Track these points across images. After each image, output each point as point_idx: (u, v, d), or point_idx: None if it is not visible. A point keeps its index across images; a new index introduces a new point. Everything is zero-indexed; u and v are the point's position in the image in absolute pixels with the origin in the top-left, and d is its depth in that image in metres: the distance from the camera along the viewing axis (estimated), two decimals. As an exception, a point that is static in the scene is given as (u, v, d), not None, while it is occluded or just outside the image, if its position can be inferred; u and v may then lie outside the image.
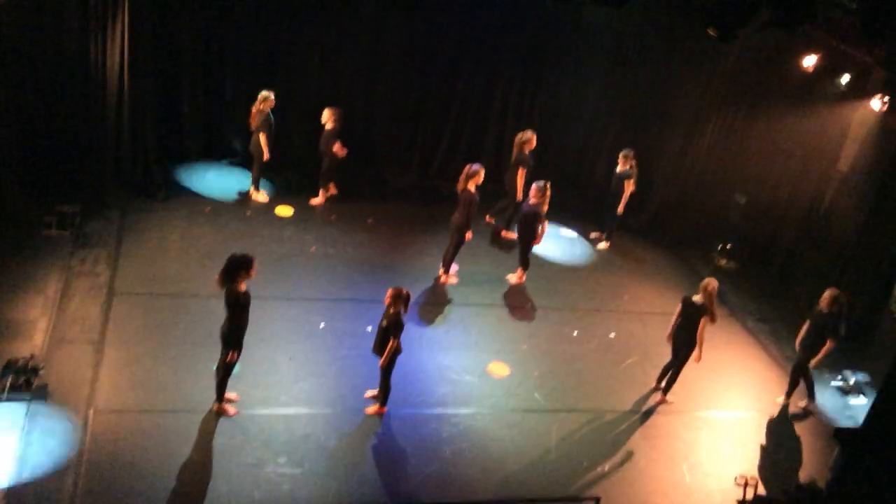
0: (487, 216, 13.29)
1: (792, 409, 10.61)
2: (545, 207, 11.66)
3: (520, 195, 12.64)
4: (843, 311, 9.99)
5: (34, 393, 8.36)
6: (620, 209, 13.25)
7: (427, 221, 13.36)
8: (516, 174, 12.71)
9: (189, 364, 9.25)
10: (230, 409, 8.73)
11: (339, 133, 12.62)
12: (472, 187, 11.26)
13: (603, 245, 13.82)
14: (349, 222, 12.95)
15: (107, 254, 10.93)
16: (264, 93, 12.15)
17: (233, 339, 8.26)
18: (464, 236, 11.44)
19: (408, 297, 8.62)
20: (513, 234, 12.98)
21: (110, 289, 10.27)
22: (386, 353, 8.70)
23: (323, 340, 10.17)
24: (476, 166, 11.34)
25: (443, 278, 11.82)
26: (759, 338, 12.12)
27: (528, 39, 13.95)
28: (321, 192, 13.17)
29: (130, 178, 12.38)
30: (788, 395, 10.60)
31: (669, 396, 10.26)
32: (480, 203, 11.53)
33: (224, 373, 8.52)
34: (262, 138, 12.27)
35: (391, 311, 8.58)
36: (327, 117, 12.48)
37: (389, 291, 8.59)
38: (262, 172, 12.79)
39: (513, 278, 12.19)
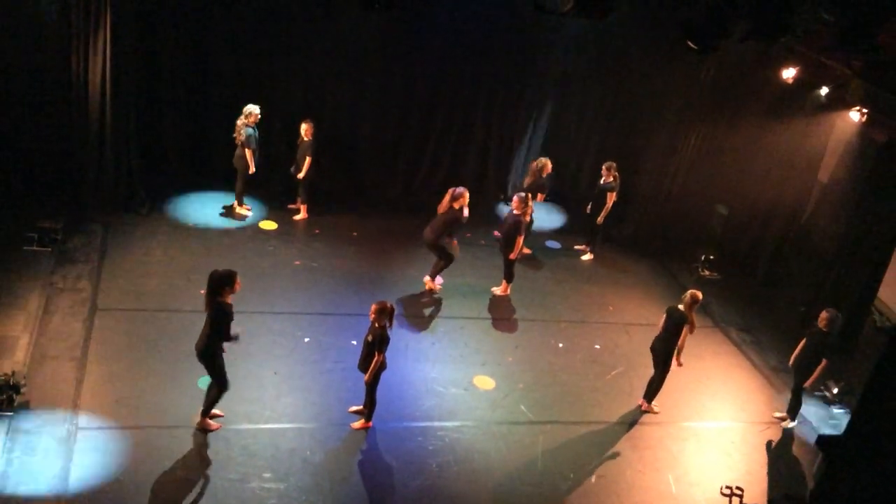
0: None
1: (775, 421, 10.66)
2: (527, 218, 11.70)
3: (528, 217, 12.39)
4: (838, 329, 10.08)
5: (16, 410, 8.28)
6: (600, 220, 13.34)
7: (412, 234, 13.35)
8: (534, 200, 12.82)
9: (173, 379, 9.19)
10: (213, 423, 8.67)
11: (318, 148, 12.66)
12: (456, 206, 11.33)
13: (587, 257, 13.88)
14: (333, 236, 12.95)
15: (89, 269, 10.86)
16: (249, 107, 12.14)
17: (209, 352, 8.24)
18: (444, 249, 11.48)
19: (392, 311, 8.59)
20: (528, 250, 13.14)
21: (93, 305, 10.21)
22: (371, 369, 8.67)
23: (307, 354, 10.13)
24: (461, 189, 11.43)
25: (428, 284, 11.85)
26: (742, 348, 12.18)
27: (510, 52, 14.02)
28: (303, 207, 13.17)
29: (113, 192, 12.33)
30: (793, 417, 10.57)
31: (655, 406, 10.28)
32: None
33: (217, 391, 8.47)
34: (248, 153, 12.25)
35: (376, 325, 8.55)
36: (305, 130, 12.50)
37: (374, 306, 8.56)
38: (246, 186, 12.77)
39: (498, 290, 12.21)
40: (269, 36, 12.94)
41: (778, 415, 10.69)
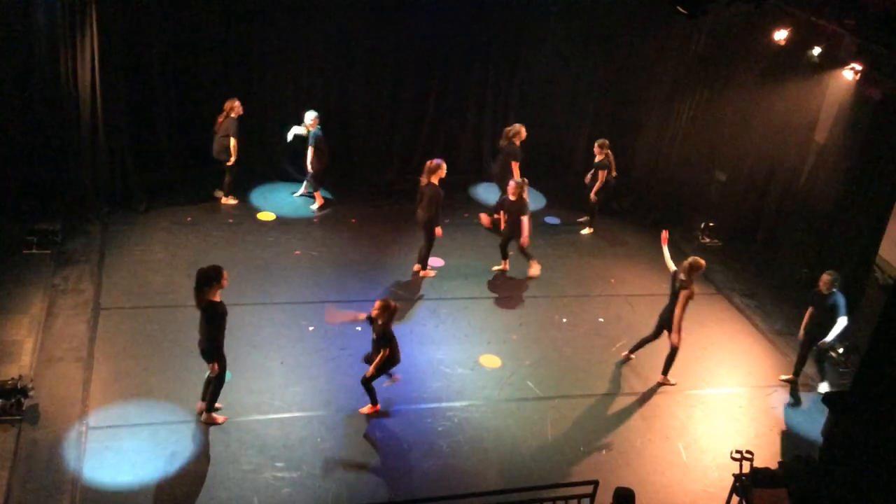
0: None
1: (781, 384, 10.67)
2: (524, 200, 11.61)
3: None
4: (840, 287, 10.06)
5: (25, 414, 8.31)
6: (593, 196, 13.33)
7: (410, 218, 13.30)
8: (508, 166, 12.75)
9: (179, 375, 9.21)
10: (219, 417, 8.70)
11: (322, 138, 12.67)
12: (435, 181, 11.22)
13: (587, 231, 13.86)
14: (332, 223, 12.94)
15: (90, 270, 10.87)
16: (230, 101, 12.19)
17: (213, 351, 8.25)
18: (433, 231, 11.41)
19: (395, 311, 8.61)
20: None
21: (96, 304, 10.22)
22: (374, 365, 8.71)
23: (313, 343, 10.15)
24: (438, 161, 11.28)
25: (421, 273, 11.79)
26: (746, 313, 12.18)
27: (500, 28, 13.96)
28: (317, 194, 13.17)
29: (109, 191, 12.32)
30: (822, 379, 10.53)
31: (671, 378, 10.26)
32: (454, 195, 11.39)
33: (216, 384, 8.49)
34: (232, 142, 12.25)
35: (379, 322, 8.57)
36: (313, 121, 12.47)
37: (377, 303, 8.58)
38: (235, 178, 12.76)
39: (534, 271, 12.12)
40: (259, 28, 12.86)
41: (784, 377, 10.71)
